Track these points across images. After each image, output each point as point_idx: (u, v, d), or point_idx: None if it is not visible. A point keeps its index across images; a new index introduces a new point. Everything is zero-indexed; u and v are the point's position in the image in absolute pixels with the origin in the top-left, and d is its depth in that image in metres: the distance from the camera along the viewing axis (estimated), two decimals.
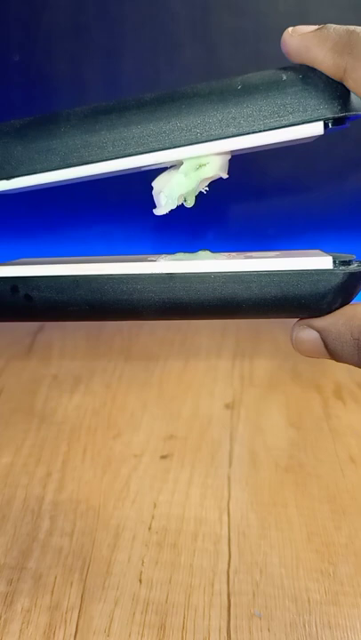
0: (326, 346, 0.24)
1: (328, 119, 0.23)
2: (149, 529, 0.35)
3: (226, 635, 0.29)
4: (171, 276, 0.24)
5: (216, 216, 0.59)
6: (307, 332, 0.25)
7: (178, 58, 0.52)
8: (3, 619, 0.30)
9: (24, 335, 0.57)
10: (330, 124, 0.23)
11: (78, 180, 0.25)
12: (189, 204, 0.26)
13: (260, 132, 0.23)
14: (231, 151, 0.24)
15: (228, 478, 0.39)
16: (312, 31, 0.23)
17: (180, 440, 0.43)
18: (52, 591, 0.32)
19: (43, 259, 0.27)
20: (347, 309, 0.24)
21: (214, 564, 0.33)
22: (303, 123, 0.23)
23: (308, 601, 0.31)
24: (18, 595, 0.31)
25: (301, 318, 0.25)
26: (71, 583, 0.32)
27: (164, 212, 0.26)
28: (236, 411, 0.46)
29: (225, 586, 0.32)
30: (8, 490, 0.38)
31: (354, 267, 0.24)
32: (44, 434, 0.44)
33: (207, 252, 0.27)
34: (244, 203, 0.58)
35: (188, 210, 0.26)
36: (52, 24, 0.52)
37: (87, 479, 0.39)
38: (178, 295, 0.25)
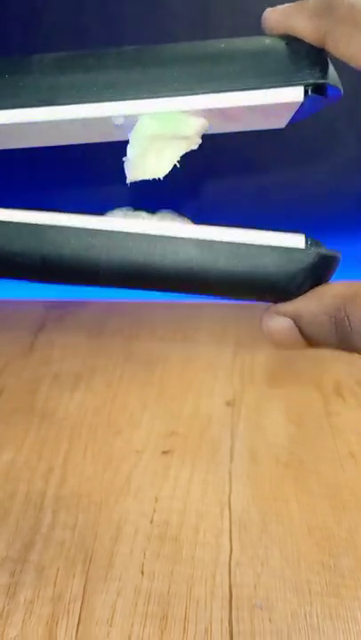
0: (301, 332, 0.23)
1: (309, 84, 0.22)
2: (151, 522, 0.35)
3: (228, 625, 0.29)
4: (129, 235, 0.23)
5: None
6: (278, 321, 0.23)
7: None
8: (6, 610, 0.30)
9: (25, 334, 0.57)
10: (310, 91, 0.22)
11: (47, 125, 0.23)
12: (160, 170, 0.24)
13: (238, 90, 0.22)
14: (208, 110, 0.23)
15: (230, 474, 0.39)
16: (292, 4, 0.23)
17: (181, 437, 0.43)
18: (55, 583, 0.32)
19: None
20: (317, 289, 0.23)
21: (216, 556, 0.33)
22: (283, 86, 0.22)
23: (310, 592, 0.31)
24: (21, 586, 0.32)
25: (270, 306, 0.24)
26: (74, 575, 0.32)
27: (133, 176, 0.24)
28: (237, 408, 0.46)
29: (226, 578, 0.32)
30: (10, 485, 0.38)
31: (326, 250, 0.23)
32: (46, 432, 0.44)
33: (172, 214, 0.25)
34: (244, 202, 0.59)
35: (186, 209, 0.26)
36: (52, 24, 0.53)
37: (89, 475, 0.39)
38: (135, 258, 0.23)
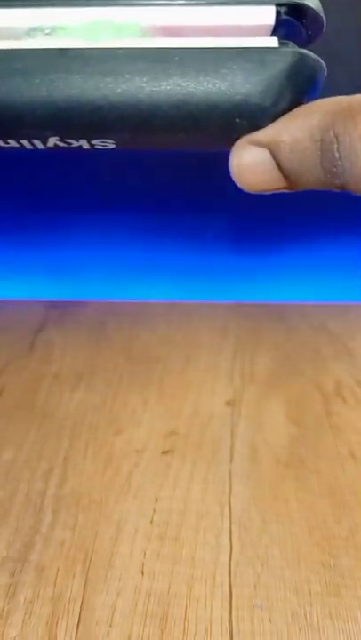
0: (280, 165, 0.19)
1: (280, 5, 0.19)
2: (151, 522, 0.35)
3: (228, 625, 0.29)
4: (62, 52, 0.18)
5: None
6: (251, 152, 0.19)
7: None
8: (6, 610, 0.30)
9: (25, 334, 0.57)
10: (282, 12, 0.19)
11: None
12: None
13: (201, 5, 0.19)
14: (168, 28, 0.19)
15: (230, 473, 0.39)
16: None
17: (182, 436, 0.43)
18: (55, 583, 0.32)
19: None
20: (300, 108, 0.19)
21: (216, 556, 0.33)
22: (254, 4, 0.19)
23: (310, 592, 0.31)
24: (20, 586, 0.32)
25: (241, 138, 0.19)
26: (73, 575, 0.32)
27: None
28: (237, 408, 0.46)
29: (226, 578, 0.32)
30: (10, 484, 0.38)
31: (307, 50, 0.19)
32: (46, 431, 0.44)
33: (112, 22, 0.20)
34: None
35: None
36: None
37: (89, 474, 0.39)
38: (71, 83, 0.18)
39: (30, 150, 0.22)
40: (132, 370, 0.51)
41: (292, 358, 0.52)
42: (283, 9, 0.19)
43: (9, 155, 0.54)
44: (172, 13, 0.19)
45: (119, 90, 0.18)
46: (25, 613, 0.30)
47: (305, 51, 0.19)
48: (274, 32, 0.20)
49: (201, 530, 0.35)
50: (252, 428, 0.44)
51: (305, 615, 0.30)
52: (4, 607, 0.30)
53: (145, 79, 0.18)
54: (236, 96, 0.18)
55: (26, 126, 0.19)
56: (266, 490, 0.38)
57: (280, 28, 0.20)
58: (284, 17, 0.19)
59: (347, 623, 0.30)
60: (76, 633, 0.29)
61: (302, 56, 0.19)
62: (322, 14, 0.20)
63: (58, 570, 0.32)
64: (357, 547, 0.34)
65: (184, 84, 0.18)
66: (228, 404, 0.47)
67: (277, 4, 0.19)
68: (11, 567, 0.33)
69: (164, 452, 0.41)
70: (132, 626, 0.29)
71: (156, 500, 0.37)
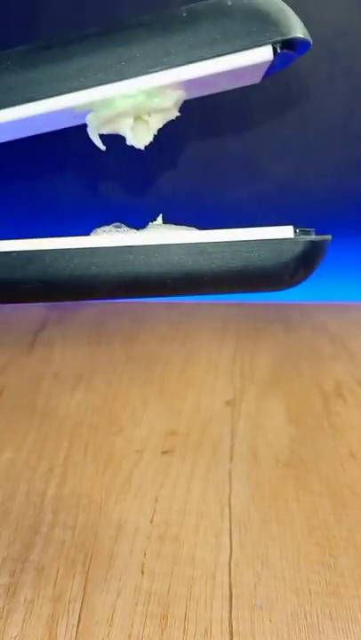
0: None
1: (276, 42, 0.22)
2: (151, 522, 0.35)
3: (228, 624, 0.29)
4: (129, 249, 0.24)
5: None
6: None
7: None
8: (6, 609, 0.30)
9: (25, 334, 0.57)
10: (278, 48, 0.22)
11: (18, 121, 0.23)
12: (140, 142, 0.25)
13: (208, 59, 0.22)
14: (181, 83, 0.23)
15: (230, 473, 0.39)
16: None
17: (182, 436, 0.43)
18: (55, 583, 0.32)
19: None
20: None
21: (216, 556, 0.33)
22: (252, 47, 0.22)
23: (310, 592, 0.31)
24: (21, 586, 0.32)
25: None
26: (74, 575, 0.32)
27: (94, 133, 0.24)
28: (237, 407, 0.46)
29: (226, 577, 0.32)
30: (10, 484, 0.38)
31: (314, 236, 0.24)
32: (46, 430, 0.44)
33: (163, 224, 0.26)
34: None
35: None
36: (52, 24, 0.53)
37: (89, 474, 0.39)
38: (137, 268, 0.24)
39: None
40: (132, 370, 0.51)
41: (292, 358, 0.52)
42: (278, 45, 0.22)
43: (11, 163, 0.55)
44: (183, 71, 0.23)
45: (170, 278, 0.24)
46: (25, 613, 0.30)
47: (313, 237, 0.24)
48: (273, 62, 0.23)
49: (201, 530, 0.35)
50: (252, 427, 0.44)
51: (305, 615, 0.30)
52: (4, 607, 0.30)
53: (190, 267, 0.24)
54: (262, 274, 0.24)
55: (97, 295, 0.25)
56: (266, 489, 0.38)
57: (277, 59, 0.23)
58: (279, 51, 0.22)
59: (347, 623, 0.30)
60: (76, 633, 0.29)
61: (312, 242, 0.24)
62: (308, 38, 0.23)
63: (58, 570, 0.32)
64: (357, 547, 0.34)
65: (221, 271, 0.24)
66: (228, 403, 0.47)
67: (273, 43, 0.22)
68: (11, 567, 0.33)
69: (164, 452, 0.41)
70: (132, 626, 0.29)
71: (156, 500, 0.37)
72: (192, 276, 0.24)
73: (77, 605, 0.30)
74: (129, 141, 0.25)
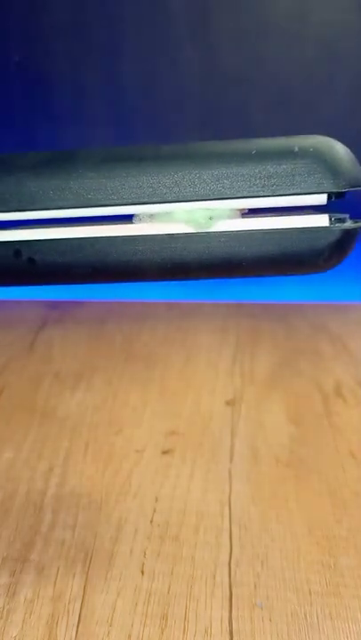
0: None
1: (333, 193, 0.25)
2: (151, 522, 0.35)
3: (228, 624, 0.29)
4: (171, 237, 0.25)
5: None
6: None
7: (178, 58, 0.53)
8: (6, 609, 0.30)
9: (25, 334, 0.57)
10: (333, 197, 0.25)
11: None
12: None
13: (268, 196, 0.25)
14: (239, 210, 0.26)
15: (230, 473, 0.39)
16: None
17: (182, 436, 0.43)
18: (55, 582, 0.32)
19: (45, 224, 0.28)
20: None
21: (216, 556, 0.33)
22: (309, 193, 0.25)
23: (310, 592, 0.31)
24: (21, 586, 0.32)
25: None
26: (74, 575, 0.32)
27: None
28: (237, 407, 0.46)
29: (226, 577, 0.32)
30: (10, 484, 0.38)
31: (348, 224, 0.25)
32: (46, 430, 0.44)
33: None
34: None
35: None
36: (52, 24, 0.53)
37: (89, 474, 0.39)
38: (179, 255, 0.25)
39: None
40: (132, 369, 0.51)
41: (292, 358, 0.52)
42: (333, 194, 0.25)
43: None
44: (242, 202, 0.25)
45: (214, 263, 0.25)
46: (25, 613, 0.30)
47: (347, 225, 0.25)
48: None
49: (201, 529, 0.35)
50: (252, 427, 0.44)
51: (305, 615, 0.30)
52: (4, 607, 0.30)
53: (234, 252, 0.25)
54: (298, 260, 0.25)
55: (146, 278, 0.27)
56: (266, 489, 0.38)
57: (330, 203, 0.25)
58: (333, 199, 0.25)
59: (347, 623, 0.30)
60: (76, 633, 0.29)
61: (345, 232, 0.25)
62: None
63: (58, 569, 0.32)
64: (357, 547, 0.34)
65: (261, 254, 0.25)
66: (228, 403, 0.47)
67: (329, 193, 0.25)
68: (11, 567, 0.33)
69: (165, 452, 0.41)
70: (132, 625, 0.29)
71: (157, 500, 0.37)
72: (230, 261, 0.25)
73: (77, 605, 0.30)
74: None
